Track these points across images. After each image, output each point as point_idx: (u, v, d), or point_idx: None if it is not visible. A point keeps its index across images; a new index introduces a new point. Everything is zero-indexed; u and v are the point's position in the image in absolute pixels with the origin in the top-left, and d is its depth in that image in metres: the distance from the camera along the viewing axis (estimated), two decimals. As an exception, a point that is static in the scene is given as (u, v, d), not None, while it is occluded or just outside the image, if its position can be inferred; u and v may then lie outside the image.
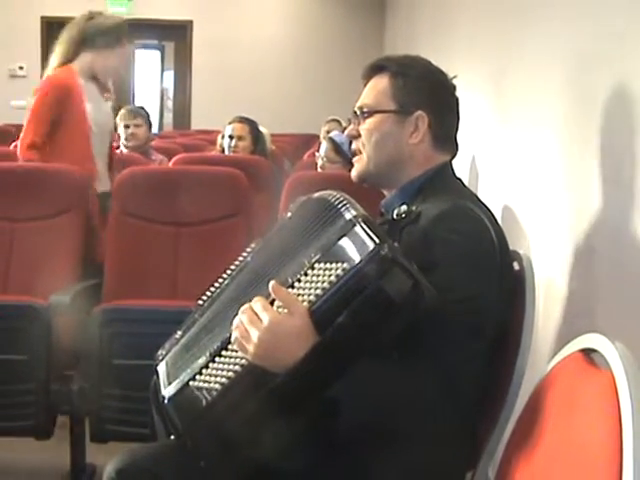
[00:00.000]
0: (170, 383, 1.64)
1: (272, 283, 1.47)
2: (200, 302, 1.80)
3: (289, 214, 1.77)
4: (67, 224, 3.23)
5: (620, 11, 1.86)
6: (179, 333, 1.78)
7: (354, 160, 1.86)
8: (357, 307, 1.40)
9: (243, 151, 4.68)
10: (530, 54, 2.69)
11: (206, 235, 3.23)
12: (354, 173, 1.86)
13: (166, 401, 1.62)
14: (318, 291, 1.44)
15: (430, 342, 1.50)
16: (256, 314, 1.46)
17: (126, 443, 2.39)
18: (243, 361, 1.50)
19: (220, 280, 1.79)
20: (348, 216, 1.49)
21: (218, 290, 1.77)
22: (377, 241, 1.41)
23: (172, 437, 1.62)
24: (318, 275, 1.45)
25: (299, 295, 1.47)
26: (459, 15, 4.44)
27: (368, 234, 1.43)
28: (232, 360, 1.52)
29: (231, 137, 4.71)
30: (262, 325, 1.44)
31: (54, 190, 3.28)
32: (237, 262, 1.79)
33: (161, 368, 1.72)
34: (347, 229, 1.47)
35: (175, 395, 1.61)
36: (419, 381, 1.48)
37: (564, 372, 1.40)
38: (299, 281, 1.48)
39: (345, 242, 1.46)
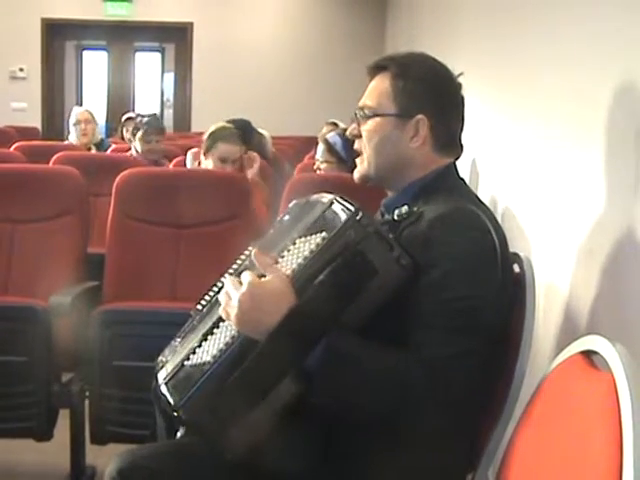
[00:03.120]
0: (167, 374, 1.67)
1: (254, 250, 1.57)
2: (199, 307, 1.79)
3: (285, 217, 1.77)
4: (67, 226, 3.23)
5: (623, 9, 1.86)
6: (178, 340, 1.78)
7: (357, 161, 1.86)
8: (335, 269, 1.49)
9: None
10: (532, 53, 2.69)
11: (206, 237, 3.22)
12: (356, 175, 1.86)
13: (162, 384, 1.65)
14: (300, 259, 1.53)
15: (421, 335, 1.51)
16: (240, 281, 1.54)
17: (126, 445, 2.39)
18: (233, 332, 1.56)
19: (218, 284, 1.78)
20: (326, 199, 1.60)
21: (216, 296, 1.77)
22: (353, 211, 1.51)
23: (176, 436, 1.63)
24: (299, 248, 1.54)
25: (283, 267, 1.55)
26: (460, 14, 4.44)
27: (345, 206, 1.54)
28: (222, 334, 1.58)
29: None
30: (242, 288, 1.51)
31: (55, 192, 3.28)
32: (235, 265, 1.79)
33: (161, 375, 1.72)
34: (325, 207, 1.57)
35: (171, 377, 1.64)
36: (407, 375, 1.48)
37: (564, 374, 1.40)
38: (282, 257, 1.57)
39: (324, 217, 1.56)
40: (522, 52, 2.84)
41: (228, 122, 4.92)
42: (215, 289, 1.78)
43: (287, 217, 1.76)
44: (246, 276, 1.53)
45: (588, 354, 1.35)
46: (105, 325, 2.70)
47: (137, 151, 5.26)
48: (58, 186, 3.31)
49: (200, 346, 1.62)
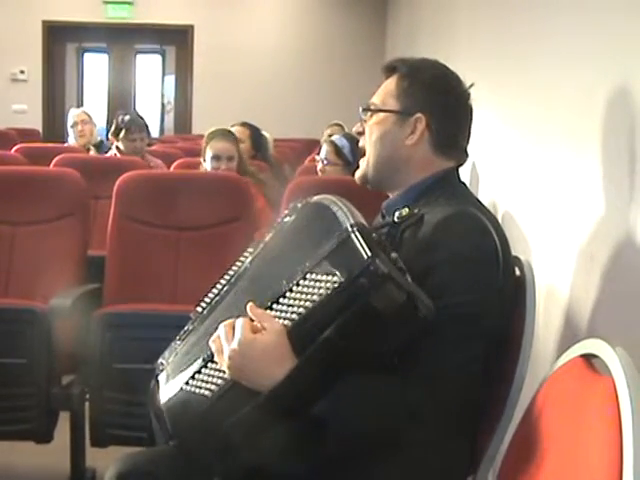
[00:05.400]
0: (167, 385, 1.66)
1: (249, 305, 1.49)
2: (199, 309, 1.79)
3: (286, 219, 1.76)
4: (68, 228, 3.23)
5: (621, 10, 1.86)
6: (178, 342, 1.78)
7: (360, 161, 1.87)
8: (344, 322, 1.39)
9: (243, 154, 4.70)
10: (532, 55, 2.69)
11: (207, 239, 3.22)
12: (357, 174, 1.88)
13: (160, 405, 1.64)
14: (307, 303, 1.43)
15: (424, 345, 1.50)
16: (233, 331, 1.48)
17: (126, 447, 2.40)
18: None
19: (218, 286, 1.78)
20: (344, 226, 1.49)
21: (217, 298, 1.76)
22: (370, 254, 1.40)
23: (171, 443, 1.63)
24: (309, 287, 1.45)
25: (290, 306, 1.47)
26: (459, 15, 4.44)
27: (362, 246, 1.42)
28: (222, 368, 1.53)
29: None
30: (233, 344, 1.46)
31: (56, 194, 3.29)
32: (235, 267, 1.78)
33: (162, 378, 1.71)
34: (342, 239, 1.46)
35: (169, 400, 1.62)
36: (412, 384, 1.48)
37: (565, 378, 1.40)
38: (291, 291, 1.48)
39: (338, 253, 1.45)
40: (522, 55, 2.84)
41: (242, 124, 4.97)
42: (215, 291, 1.78)
43: (291, 224, 1.73)
44: (239, 329, 1.47)
45: (588, 357, 1.35)
46: (105, 327, 2.71)
47: (120, 151, 5.19)
48: (59, 188, 3.31)
49: (200, 372, 1.58)
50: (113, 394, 2.70)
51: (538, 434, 1.39)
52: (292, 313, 1.46)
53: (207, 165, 3.96)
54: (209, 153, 3.95)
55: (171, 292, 3.15)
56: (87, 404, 2.80)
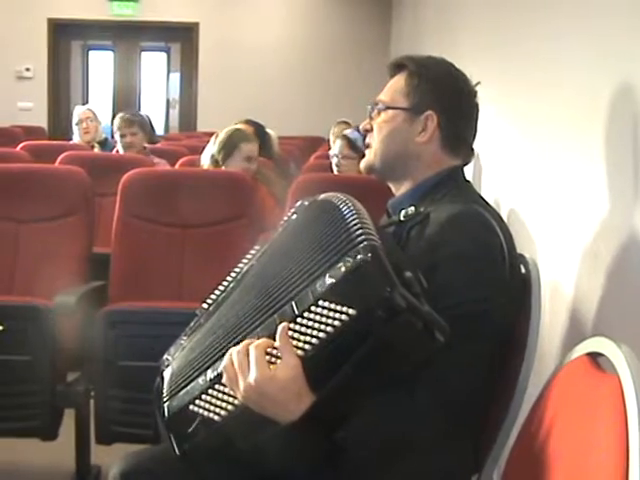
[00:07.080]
0: (172, 397, 1.61)
1: (283, 325, 1.42)
2: (205, 305, 1.78)
3: (293, 217, 1.76)
4: (73, 225, 3.24)
5: (626, 12, 1.86)
6: (184, 339, 1.77)
7: (366, 151, 1.87)
8: (360, 355, 1.35)
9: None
10: (537, 55, 2.69)
11: (212, 237, 3.23)
12: (362, 164, 1.88)
13: (165, 418, 1.61)
14: (321, 334, 1.37)
15: None
16: (248, 361, 1.43)
17: (131, 444, 2.40)
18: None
19: (225, 283, 1.77)
20: (357, 244, 1.41)
21: (223, 294, 1.75)
22: (387, 285, 1.35)
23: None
24: (321, 315, 1.38)
25: (301, 334, 1.40)
26: (464, 14, 4.44)
27: (378, 276, 1.36)
28: (231, 392, 1.49)
29: None
30: (249, 380, 1.42)
31: (60, 191, 3.29)
32: (241, 264, 1.77)
33: (167, 374, 1.70)
34: (356, 264, 1.38)
35: (173, 416, 1.58)
36: (419, 387, 1.47)
37: (570, 376, 1.40)
38: (302, 317, 1.41)
39: (353, 279, 1.37)
40: (526, 54, 2.84)
41: (246, 122, 4.97)
42: (221, 288, 1.77)
43: (299, 223, 1.71)
44: (254, 363, 1.42)
45: (594, 356, 1.35)
46: (110, 325, 2.71)
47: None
48: (64, 186, 3.32)
49: (207, 393, 1.53)
50: (118, 391, 2.70)
51: (543, 433, 1.38)
52: (304, 343, 1.40)
53: (232, 165, 3.89)
54: (238, 155, 3.89)
55: (176, 289, 3.16)
56: (92, 401, 2.81)
